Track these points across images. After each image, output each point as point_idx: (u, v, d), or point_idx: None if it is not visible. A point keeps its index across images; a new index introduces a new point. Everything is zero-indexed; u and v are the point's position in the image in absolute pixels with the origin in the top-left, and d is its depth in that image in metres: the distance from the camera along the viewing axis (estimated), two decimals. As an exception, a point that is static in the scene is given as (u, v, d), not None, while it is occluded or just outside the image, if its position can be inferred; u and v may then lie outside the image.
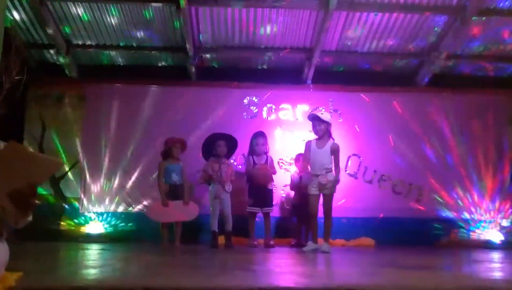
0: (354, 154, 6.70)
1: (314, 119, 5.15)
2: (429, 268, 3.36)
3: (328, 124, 5.11)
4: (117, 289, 2.09)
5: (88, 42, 6.52)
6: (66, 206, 6.33)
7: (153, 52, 6.71)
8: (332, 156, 5.02)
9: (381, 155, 6.68)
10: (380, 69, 7.05)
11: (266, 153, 5.91)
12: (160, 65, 6.97)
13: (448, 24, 6.16)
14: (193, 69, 6.69)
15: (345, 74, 6.99)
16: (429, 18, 6.09)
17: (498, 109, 6.80)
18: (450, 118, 6.74)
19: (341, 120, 6.80)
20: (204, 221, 5.79)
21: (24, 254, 2.29)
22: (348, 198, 6.46)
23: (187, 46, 6.27)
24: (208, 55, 6.80)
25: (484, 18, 6.03)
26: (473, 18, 5.90)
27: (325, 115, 5.17)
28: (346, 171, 6.64)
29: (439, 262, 4.06)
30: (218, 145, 5.69)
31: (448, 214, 6.54)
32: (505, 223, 6.51)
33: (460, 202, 6.57)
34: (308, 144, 5.20)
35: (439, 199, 6.57)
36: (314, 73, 6.75)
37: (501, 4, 5.86)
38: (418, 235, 6.25)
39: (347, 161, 6.66)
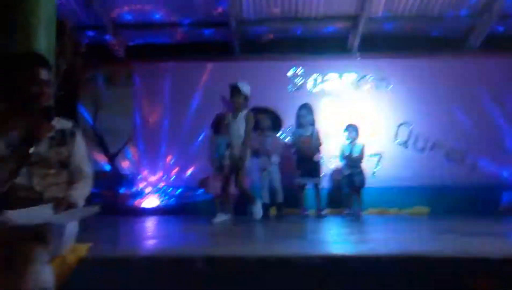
0: (403, 123, 6.54)
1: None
2: (491, 235, 3.27)
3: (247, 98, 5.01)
4: (181, 259, 2.16)
5: (134, 21, 6.61)
6: (122, 182, 6.56)
7: (196, 28, 6.71)
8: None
9: (433, 122, 6.48)
10: (430, 34, 6.76)
11: (312, 124, 5.86)
12: (204, 41, 6.97)
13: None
14: (236, 43, 6.66)
15: (393, 40, 6.73)
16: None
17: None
18: (503, 83, 6.42)
19: (389, 88, 6.63)
20: (255, 193, 5.83)
21: (88, 227, 2.41)
22: (399, 167, 6.35)
23: (230, 20, 6.24)
24: (250, 29, 6.73)
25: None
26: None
27: (245, 88, 5.02)
28: (396, 140, 6.50)
29: (499, 229, 3.93)
30: (260, 119, 5.71)
31: (507, 179, 6.29)
32: None
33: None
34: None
35: (497, 164, 6.32)
36: (360, 41, 6.57)
37: None
38: (474, 202, 6.05)
39: (397, 130, 6.51)
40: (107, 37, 6.59)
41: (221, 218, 4.66)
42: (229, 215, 5.00)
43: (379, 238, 2.95)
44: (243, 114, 4.84)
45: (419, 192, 6.20)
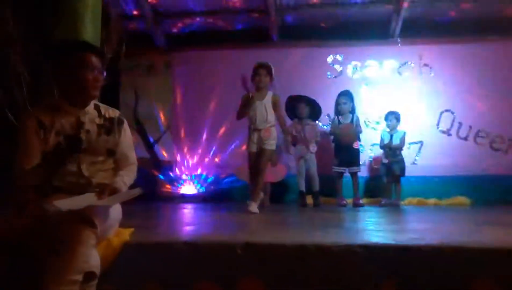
0: (446, 110, 6.38)
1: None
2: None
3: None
4: (220, 244, 2.21)
5: (173, 10, 6.68)
6: (162, 169, 6.71)
7: (233, 14, 6.72)
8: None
9: (477, 110, 6.28)
10: (475, 17, 6.49)
11: (352, 112, 5.80)
12: (241, 28, 6.97)
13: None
14: (275, 30, 6.64)
15: (435, 25, 6.52)
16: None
17: None
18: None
19: (432, 74, 6.45)
20: (292, 181, 5.86)
21: (130, 213, 2.48)
22: (440, 156, 6.21)
23: (268, 6, 6.21)
24: (289, 15, 6.69)
25: None
26: None
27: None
28: (438, 128, 6.35)
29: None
30: (299, 107, 5.69)
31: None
32: None
33: None
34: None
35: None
36: (401, 26, 6.40)
37: None
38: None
39: (440, 117, 6.35)
40: (148, 25, 6.68)
41: (252, 207, 4.23)
42: (260, 202, 4.61)
43: (418, 228, 2.91)
44: (269, 95, 4.52)
45: (461, 182, 6.05)
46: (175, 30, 7.03)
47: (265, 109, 4.43)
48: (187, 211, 4.87)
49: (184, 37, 7.04)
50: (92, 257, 1.86)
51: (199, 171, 6.65)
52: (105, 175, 2.23)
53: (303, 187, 5.56)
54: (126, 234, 2.25)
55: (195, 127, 6.70)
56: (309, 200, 5.55)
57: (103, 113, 2.29)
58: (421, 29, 6.45)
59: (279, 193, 6.07)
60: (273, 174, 5.64)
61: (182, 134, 6.74)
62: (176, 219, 4.01)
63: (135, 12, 6.66)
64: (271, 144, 4.43)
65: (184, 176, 6.66)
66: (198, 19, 6.83)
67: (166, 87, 6.88)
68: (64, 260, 1.77)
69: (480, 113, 6.27)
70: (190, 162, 6.69)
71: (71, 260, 1.78)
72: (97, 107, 2.29)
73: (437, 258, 2.07)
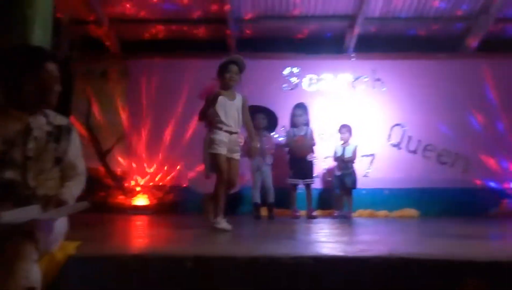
0: (397, 124, 6.57)
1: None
2: (480, 238, 3.29)
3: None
4: (170, 257, 2.16)
5: (131, 17, 6.58)
6: (114, 179, 6.53)
7: (192, 24, 6.70)
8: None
9: (426, 125, 6.51)
10: (426, 35, 6.78)
11: (306, 124, 5.87)
12: (199, 38, 6.95)
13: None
14: (233, 41, 6.66)
15: (389, 41, 6.75)
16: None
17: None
18: (498, 85, 6.48)
19: (384, 89, 6.65)
20: (246, 193, 5.86)
21: (78, 225, 2.39)
22: (391, 169, 6.38)
23: (226, 17, 6.23)
24: (247, 27, 6.74)
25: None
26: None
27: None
28: (389, 141, 6.53)
29: (488, 232, 3.96)
30: (256, 118, 5.69)
31: (496, 184, 6.34)
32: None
33: (509, 171, 6.35)
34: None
35: (487, 168, 6.37)
36: (356, 41, 6.58)
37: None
38: (464, 206, 6.11)
39: (390, 131, 6.54)
40: (102, 31, 6.54)
41: (221, 224, 3.68)
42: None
43: (368, 240, 2.97)
44: (240, 96, 3.94)
45: (410, 194, 6.25)
46: (131, 37, 6.91)
47: (236, 111, 3.84)
48: (140, 223, 4.76)
49: (141, 44, 6.94)
50: (33, 272, 1.77)
51: (153, 182, 6.52)
52: (52, 184, 2.13)
53: (258, 199, 5.56)
54: (71, 247, 2.16)
55: (150, 137, 6.57)
56: (264, 212, 5.56)
57: (51, 120, 2.20)
58: (374, 45, 6.66)
59: (234, 205, 6.04)
60: (227, 185, 5.61)
61: (137, 143, 6.60)
62: (127, 232, 3.91)
63: (90, 18, 6.50)
64: (238, 154, 3.89)
65: (138, 187, 6.51)
66: (155, 27, 6.76)
67: (121, 95, 6.73)
68: (4, 276, 1.69)
69: (428, 127, 6.50)
70: (145, 172, 6.55)
71: (11, 276, 1.69)
72: (45, 113, 2.20)
73: (385, 269, 2.11)
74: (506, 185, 6.33)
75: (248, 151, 5.58)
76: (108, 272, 2.10)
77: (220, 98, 3.80)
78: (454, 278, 2.06)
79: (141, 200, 6.44)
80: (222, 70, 3.88)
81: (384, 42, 6.71)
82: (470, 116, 6.46)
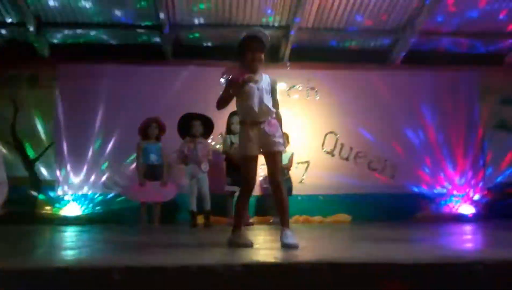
0: (330, 132, 6.77)
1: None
2: (403, 241, 3.46)
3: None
4: (98, 269, 2.09)
5: (60, 21, 6.34)
6: (42, 188, 6.23)
7: (128, 30, 6.57)
8: None
9: (357, 132, 6.77)
10: (357, 47, 7.08)
11: (242, 132, 5.89)
12: (136, 43, 6.83)
13: (422, 1, 6.21)
14: (170, 48, 6.60)
15: (322, 52, 6.99)
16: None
17: (469, 86, 6.95)
18: (424, 94, 6.87)
19: (318, 97, 6.84)
20: (183, 201, 5.80)
21: (0, 238, 2.26)
22: (325, 175, 6.56)
23: (163, 24, 6.17)
24: (184, 33, 6.71)
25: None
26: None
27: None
28: (323, 148, 6.72)
29: (414, 235, 4.17)
30: (193, 125, 5.67)
31: (422, 189, 6.70)
32: (476, 196, 6.71)
33: (433, 177, 6.74)
34: None
35: (413, 175, 6.71)
36: (291, 51, 6.73)
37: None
38: (393, 210, 6.41)
39: (324, 138, 6.73)
40: (31, 35, 6.25)
41: (290, 238, 2.90)
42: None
43: (300, 246, 3.02)
44: (266, 78, 3.15)
45: (343, 200, 6.47)
46: (61, 41, 6.66)
47: (265, 95, 3.04)
48: (69, 234, 4.56)
49: (72, 49, 6.70)
50: None
51: (84, 191, 6.28)
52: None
53: (194, 207, 5.52)
54: (-12, 262, 2.04)
55: (81, 144, 6.34)
56: (201, 219, 5.52)
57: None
58: (308, 55, 6.85)
59: (170, 213, 5.97)
60: (162, 193, 5.54)
61: (66, 151, 6.33)
62: (53, 243, 3.73)
63: (18, 19, 6.19)
64: (280, 144, 3.04)
65: (67, 196, 6.25)
66: (87, 31, 6.55)
67: (49, 101, 6.44)
68: None
69: (359, 135, 6.76)
70: (75, 181, 6.30)
71: None
72: None
73: (315, 274, 2.15)
74: (430, 190, 6.69)
75: (183, 158, 5.58)
76: (30, 287, 1.99)
77: (243, 82, 3.00)
78: (376, 281, 2.15)
79: (71, 210, 6.18)
80: (243, 51, 3.06)
81: (318, 53, 6.93)
82: (398, 124, 6.79)
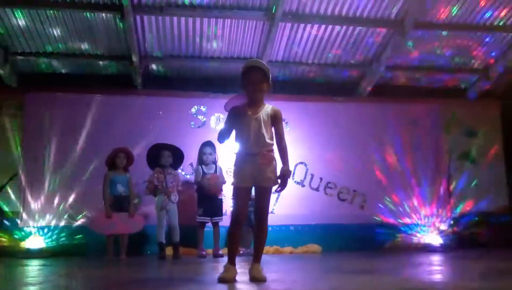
0: (301, 162, 6.82)
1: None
2: (371, 273, 3.48)
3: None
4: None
5: (28, 50, 6.28)
6: (3, 220, 6.01)
7: (97, 60, 6.56)
8: None
9: (327, 163, 6.83)
10: (325, 79, 7.25)
11: (215, 162, 5.91)
12: (104, 73, 6.81)
13: (387, 37, 6.45)
14: (139, 78, 6.60)
15: (292, 84, 7.12)
16: (369, 31, 6.35)
17: (434, 118, 7.17)
18: (390, 127, 7.00)
19: (288, 128, 6.90)
20: (151, 232, 5.70)
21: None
22: (295, 205, 6.57)
23: (132, 54, 6.19)
24: (154, 64, 6.74)
25: (420, 31, 6.36)
26: (410, 30, 6.21)
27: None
28: (293, 179, 6.75)
29: (381, 266, 4.19)
30: (162, 155, 5.65)
31: (391, 218, 6.77)
32: (443, 227, 6.82)
33: (401, 208, 6.83)
34: None
35: (382, 205, 6.79)
36: (262, 82, 6.82)
37: (435, 19, 6.22)
38: (363, 240, 6.45)
39: (294, 169, 6.77)
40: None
41: (261, 273, 2.88)
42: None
43: (269, 279, 2.99)
44: (268, 108, 3.05)
45: (313, 230, 6.48)
46: (29, 70, 6.58)
47: (262, 126, 2.97)
48: (31, 268, 4.40)
49: (40, 78, 6.62)
50: None
51: (48, 222, 6.09)
52: None
53: (162, 239, 5.43)
54: None
55: (45, 174, 6.17)
56: (169, 251, 5.43)
57: None
58: (279, 87, 6.92)
59: (137, 245, 5.84)
60: (129, 225, 5.44)
61: (30, 181, 6.15)
62: (13, 278, 3.59)
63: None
64: (271, 180, 2.98)
65: (30, 228, 6.04)
66: (55, 61, 6.51)
67: (15, 130, 6.30)
68: None
69: (329, 165, 6.83)
70: (38, 212, 6.10)
71: None
72: None
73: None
74: (398, 221, 6.77)
75: (152, 189, 5.52)
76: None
77: (242, 113, 2.99)
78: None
79: (34, 242, 5.97)
80: (244, 82, 3.01)
81: (289, 85, 7.04)
82: (366, 156, 6.89)
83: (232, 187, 3.04)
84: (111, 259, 5.27)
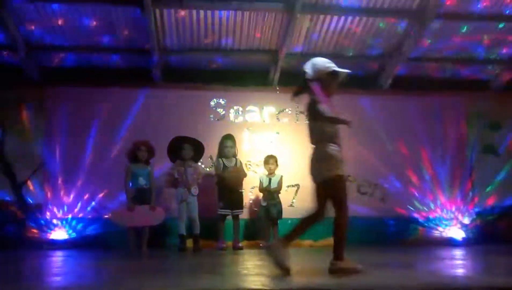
0: (321, 155, 6.77)
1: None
2: (395, 266, 3.45)
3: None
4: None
5: (49, 44, 6.36)
6: (29, 212, 6.14)
7: (116, 53, 6.60)
8: None
9: (347, 156, 6.74)
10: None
11: (235, 156, 5.93)
12: (123, 66, 6.84)
13: (408, 28, 6.34)
14: (158, 71, 6.63)
15: (312, 76, 7.04)
16: (390, 21, 6.25)
17: (456, 110, 7.03)
18: (412, 119, 6.91)
19: (307, 121, 6.87)
20: (172, 225, 5.76)
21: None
22: (307, 199, 6.53)
23: (152, 48, 6.21)
24: (173, 57, 6.76)
25: (442, 21, 6.22)
26: (432, 21, 6.08)
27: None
28: (313, 172, 6.71)
29: (404, 260, 4.16)
30: (183, 148, 5.69)
31: (412, 212, 6.70)
32: (466, 220, 6.73)
33: (423, 201, 6.75)
34: None
35: (403, 197, 6.72)
36: (280, 75, 6.79)
37: (458, 9, 6.08)
38: (384, 234, 6.40)
39: (314, 162, 6.74)
40: (19, 57, 6.25)
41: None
42: None
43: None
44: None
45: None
46: (50, 63, 6.67)
47: None
48: (56, 259, 4.50)
49: (60, 72, 6.69)
50: None
51: (72, 214, 6.20)
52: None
53: (183, 231, 5.49)
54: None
55: (69, 167, 6.27)
56: (190, 243, 5.48)
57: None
58: (297, 79, 6.87)
59: (159, 237, 5.91)
60: (151, 217, 5.49)
61: (55, 174, 6.27)
62: (40, 269, 3.67)
63: (7, 43, 6.20)
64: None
65: (55, 220, 6.16)
66: (75, 54, 6.57)
67: (37, 124, 6.40)
68: None
69: (349, 158, 6.70)
70: (62, 205, 6.22)
71: None
72: None
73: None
74: (420, 214, 6.69)
75: (173, 182, 5.57)
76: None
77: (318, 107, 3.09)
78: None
79: (59, 234, 6.09)
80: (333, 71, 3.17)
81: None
82: (387, 148, 6.81)
83: (333, 179, 3.06)
84: (133, 251, 5.34)
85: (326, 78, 3.14)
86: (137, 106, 6.53)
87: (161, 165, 5.95)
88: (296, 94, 3.31)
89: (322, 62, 3.17)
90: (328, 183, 3.02)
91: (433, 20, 6.09)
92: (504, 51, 6.85)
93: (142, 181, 5.56)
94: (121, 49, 6.54)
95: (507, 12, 6.14)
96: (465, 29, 6.37)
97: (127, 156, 5.69)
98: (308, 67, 3.21)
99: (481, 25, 6.33)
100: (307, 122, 3.27)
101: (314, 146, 3.18)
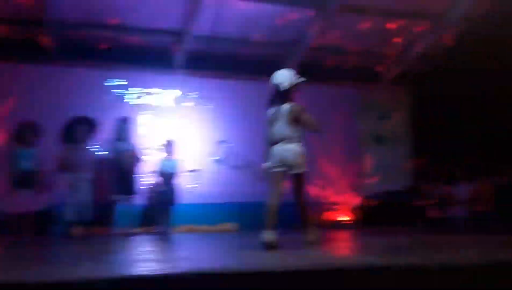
0: (222, 140, 6.80)
1: None
2: (283, 248, 3.55)
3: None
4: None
5: None
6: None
7: (10, 25, 6.01)
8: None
9: (249, 141, 6.84)
10: (250, 58, 7.17)
11: (131, 139, 5.73)
12: (11, 40, 6.24)
13: (312, 18, 6.51)
14: (51, 46, 6.15)
15: (217, 60, 6.95)
16: (295, 10, 6.38)
17: (348, 101, 7.43)
18: (324, 107, 7.06)
19: (211, 106, 6.84)
20: (61, 211, 5.43)
21: None
22: (215, 183, 6.57)
23: (43, 20, 5.75)
24: (70, 32, 6.29)
25: (342, 15, 6.48)
26: (333, 14, 6.33)
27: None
28: (213, 157, 6.73)
29: (296, 243, 4.29)
30: (78, 130, 5.38)
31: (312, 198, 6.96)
32: (353, 204, 7.17)
33: (316, 186, 7.04)
34: None
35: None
36: (185, 58, 6.65)
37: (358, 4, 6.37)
38: (281, 218, 6.57)
39: (215, 146, 6.75)
40: None
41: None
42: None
43: (178, 257, 2.97)
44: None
45: (231, 208, 6.50)
46: None
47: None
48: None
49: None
50: None
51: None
52: None
53: (71, 217, 5.19)
54: None
55: None
56: (80, 230, 5.21)
57: None
58: (203, 63, 6.80)
59: (45, 224, 5.54)
60: (36, 202, 5.14)
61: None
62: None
63: None
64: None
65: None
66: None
67: None
68: None
69: (250, 144, 6.84)
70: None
71: None
72: None
73: (184, 286, 2.12)
74: (313, 198, 6.99)
75: (64, 165, 5.25)
76: None
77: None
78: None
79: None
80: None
81: (212, 61, 6.88)
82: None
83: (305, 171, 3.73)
84: (16, 238, 4.96)
85: (295, 88, 3.74)
86: (27, 83, 6.03)
87: (51, 147, 5.56)
88: (272, 103, 3.86)
89: (291, 74, 3.77)
90: (303, 175, 3.73)
91: (335, 12, 6.31)
92: (394, 47, 7.31)
93: (26, 163, 5.16)
94: (8, 21, 5.95)
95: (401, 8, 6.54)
96: (360, 22, 6.69)
97: (12, 137, 5.25)
98: (281, 80, 3.74)
99: (376, 19, 6.67)
100: (283, 122, 3.77)
101: (289, 142, 3.72)
